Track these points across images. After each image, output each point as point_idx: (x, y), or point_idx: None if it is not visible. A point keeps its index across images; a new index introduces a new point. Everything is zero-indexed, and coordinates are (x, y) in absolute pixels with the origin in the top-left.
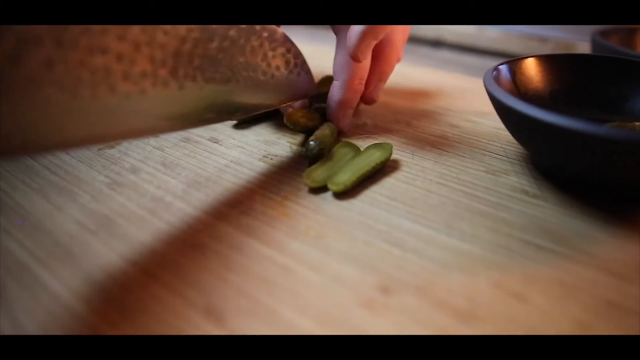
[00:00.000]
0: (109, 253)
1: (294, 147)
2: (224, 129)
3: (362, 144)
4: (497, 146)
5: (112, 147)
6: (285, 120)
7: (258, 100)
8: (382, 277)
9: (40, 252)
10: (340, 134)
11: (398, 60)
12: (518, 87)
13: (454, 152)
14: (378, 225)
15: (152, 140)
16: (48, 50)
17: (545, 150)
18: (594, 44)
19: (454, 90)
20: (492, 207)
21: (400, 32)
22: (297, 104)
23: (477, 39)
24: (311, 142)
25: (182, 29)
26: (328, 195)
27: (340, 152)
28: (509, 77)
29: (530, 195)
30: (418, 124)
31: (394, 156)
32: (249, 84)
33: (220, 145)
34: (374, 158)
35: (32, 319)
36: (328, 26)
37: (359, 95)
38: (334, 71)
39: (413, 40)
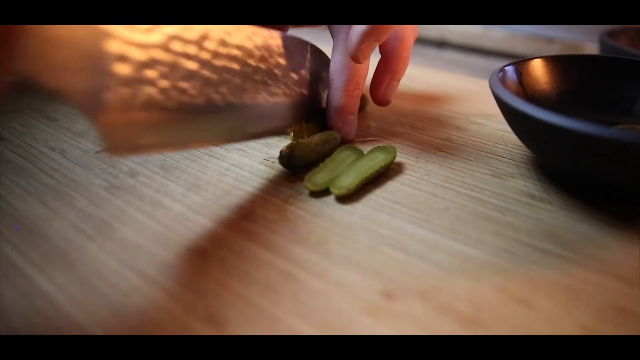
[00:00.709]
0: (106, 258)
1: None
2: None
3: (365, 147)
4: (503, 149)
5: None
6: (291, 137)
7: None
8: (385, 283)
9: (37, 256)
10: (346, 141)
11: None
12: (524, 89)
13: (459, 155)
14: (381, 230)
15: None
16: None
17: (552, 153)
18: (602, 44)
19: (458, 92)
20: (497, 211)
21: (411, 29)
22: None
23: (482, 40)
24: (281, 152)
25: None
26: (330, 199)
27: (342, 155)
28: (515, 78)
29: (537, 199)
30: (422, 126)
31: (397, 159)
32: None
33: (221, 148)
34: (377, 161)
35: (28, 325)
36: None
37: (357, 101)
38: (329, 75)
39: (417, 41)
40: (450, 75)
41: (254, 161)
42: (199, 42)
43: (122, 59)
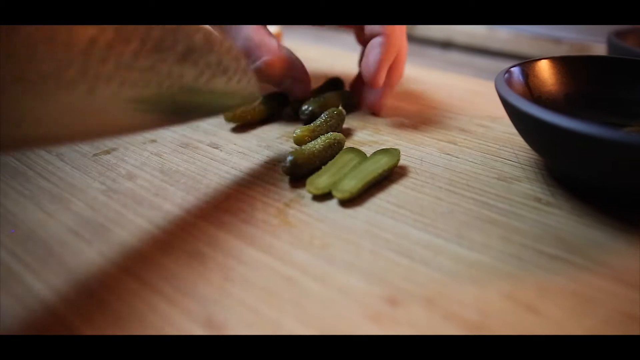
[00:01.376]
0: (104, 263)
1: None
2: (225, 134)
3: (368, 149)
4: (509, 152)
5: (108, 152)
6: (294, 142)
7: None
8: (389, 288)
9: (33, 261)
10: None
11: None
12: (531, 91)
13: (464, 158)
14: (385, 234)
15: (149, 146)
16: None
17: (560, 156)
18: (610, 45)
19: (463, 94)
20: (504, 215)
21: (405, 39)
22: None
23: (487, 40)
24: (284, 160)
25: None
26: (333, 202)
27: (345, 157)
28: (521, 79)
29: (544, 203)
30: (427, 128)
31: (401, 162)
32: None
33: (221, 150)
34: (380, 164)
35: (24, 331)
36: (332, 27)
37: (396, 51)
38: (365, 53)
39: (421, 41)
40: (456, 76)
41: (254, 164)
42: None
43: None
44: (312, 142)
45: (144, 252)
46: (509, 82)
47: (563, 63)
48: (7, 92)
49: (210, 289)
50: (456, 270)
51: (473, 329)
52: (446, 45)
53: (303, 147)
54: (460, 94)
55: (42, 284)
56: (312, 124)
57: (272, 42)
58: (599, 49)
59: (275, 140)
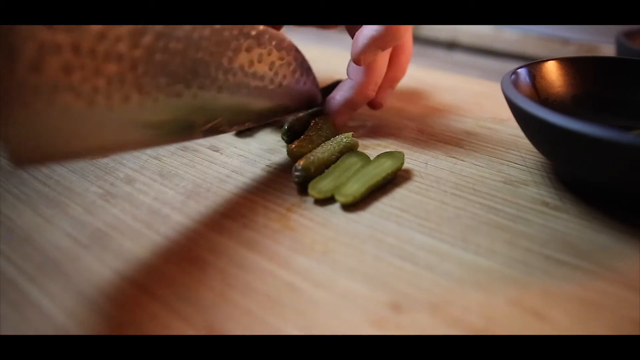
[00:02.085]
0: (102, 269)
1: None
2: (225, 137)
3: (372, 152)
4: (515, 155)
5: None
6: (287, 154)
7: (260, 107)
8: (393, 294)
9: (29, 267)
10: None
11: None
12: (538, 92)
13: (470, 161)
14: (389, 239)
15: (148, 150)
16: (66, 57)
17: (567, 159)
18: (619, 46)
19: (469, 95)
20: (510, 219)
21: (410, 36)
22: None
23: (494, 41)
24: (296, 169)
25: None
26: (335, 207)
27: (348, 161)
28: (528, 81)
29: (551, 207)
30: (431, 131)
31: (405, 165)
32: (253, 93)
33: (221, 154)
34: (384, 168)
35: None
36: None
37: (367, 101)
38: (348, 71)
39: (426, 42)
40: (461, 77)
41: (255, 167)
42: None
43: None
44: (321, 148)
45: (143, 258)
46: (516, 83)
47: (571, 64)
48: (31, 105)
49: (211, 296)
50: (461, 275)
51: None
52: (451, 45)
53: (314, 158)
54: (465, 96)
55: (39, 291)
56: (306, 137)
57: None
58: (608, 49)
59: (276, 143)
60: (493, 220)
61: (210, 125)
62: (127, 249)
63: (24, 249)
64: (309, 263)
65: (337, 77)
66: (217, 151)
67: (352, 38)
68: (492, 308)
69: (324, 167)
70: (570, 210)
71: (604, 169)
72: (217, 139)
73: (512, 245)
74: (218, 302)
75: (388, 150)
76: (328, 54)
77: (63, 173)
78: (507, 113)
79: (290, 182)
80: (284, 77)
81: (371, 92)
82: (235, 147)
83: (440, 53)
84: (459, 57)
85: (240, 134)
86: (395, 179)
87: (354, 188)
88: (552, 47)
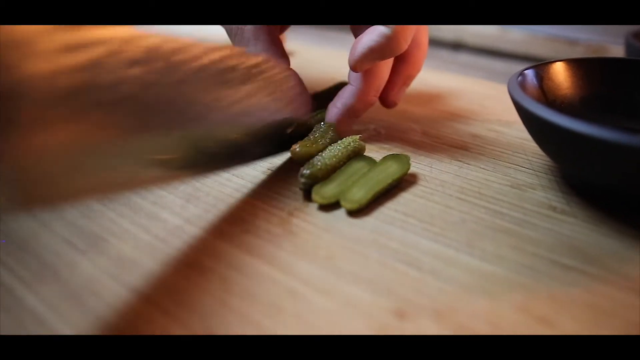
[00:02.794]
0: (99, 274)
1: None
2: None
3: (376, 155)
4: (522, 158)
5: None
6: (292, 156)
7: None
8: (397, 301)
9: (25, 273)
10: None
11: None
12: (545, 94)
13: (476, 164)
14: (393, 244)
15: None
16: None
17: (575, 162)
18: (628, 46)
19: (475, 97)
20: (517, 224)
21: (426, 32)
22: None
23: (500, 41)
24: (303, 176)
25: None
26: (338, 211)
27: (355, 166)
28: (535, 82)
29: (559, 211)
30: (436, 133)
31: (410, 169)
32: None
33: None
34: (390, 173)
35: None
36: (337, 28)
37: (369, 107)
38: (349, 76)
39: (431, 43)
40: (466, 79)
41: (256, 171)
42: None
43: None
44: (328, 153)
45: (140, 263)
46: (523, 85)
47: (579, 65)
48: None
49: (210, 302)
50: (467, 281)
51: None
52: (456, 46)
53: (321, 165)
54: (471, 98)
55: (34, 297)
56: (309, 139)
57: (285, 63)
58: (616, 50)
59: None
60: (499, 224)
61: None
62: (124, 254)
63: (19, 253)
64: (311, 268)
65: (339, 78)
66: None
67: (356, 38)
68: (499, 314)
69: (330, 173)
70: (577, 214)
71: (613, 172)
72: None
73: (518, 250)
74: (217, 308)
75: (393, 153)
76: (330, 55)
77: None
78: (514, 115)
79: (292, 185)
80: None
81: (373, 98)
82: None
83: (446, 54)
84: (465, 58)
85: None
86: (400, 182)
87: (360, 195)
88: (560, 48)
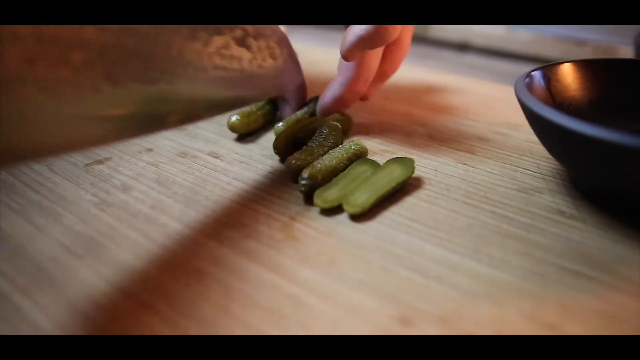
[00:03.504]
0: (96, 280)
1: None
2: (225, 143)
3: (380, 158)
4: (529, 162)
5: (101, 162)
6: (286, 167)
7: (238, 93)
8: (401, 308)
9: (21, 278)
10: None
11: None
12: (553, 96)
13: (482, 168)
14: (397, 250)
15: (145, 155)
16: (28, 46)
17: (584, 166)
18: (637, 47)
19: (481, 99)
20: (524, 229)
21: (410, 33)
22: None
23: (507, 42)
24: (303, 178)
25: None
26: (341, 216)
27: (358, 170)
28: (543, 84)
29: (567, 216)
30: (442, 136)
31: (414, 172)
32: (225, 77)
33: (221, 160)
34: (394, 177)
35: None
36: (338, 28)
37: (358, 97)
38: (338, 67)
39: (436, 43)
40: (473, 80)
41: (257, 174)
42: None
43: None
44: (329, 155)
45: (139, 269)
46: (530, 87)
47: (587, 66)
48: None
49: (211, 309)
50: (473, 287)
51: None
52: (462, 47)
53: (322, 166)
54: (477, 100)
55: (31, 303)
56: (306, 149)
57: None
58: (626, 51)
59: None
60: (506, 229)
61: (181, 117)
62: (122, 260)
63: (15, 259)
64: (314, 274)
65: None
66: (217, 157)
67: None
68: (506, 322)
69: (331, 175)
70: (586, 219)
71: (622, 175)
72: (217, 145)
73: (526, 256)
74: (218, 315)
75: (397, 157)
76: (331, 55)
77: (56, 180)
78: (521, 118)
79: (293, 189)
80: (263, 59)
81: (362, 89)
82: (236, 153)
83: (452, 55)
84: (471, 59)
85: (241, 139)
86: (405, 186)
87: (363, 198)
88: (568, 49)
